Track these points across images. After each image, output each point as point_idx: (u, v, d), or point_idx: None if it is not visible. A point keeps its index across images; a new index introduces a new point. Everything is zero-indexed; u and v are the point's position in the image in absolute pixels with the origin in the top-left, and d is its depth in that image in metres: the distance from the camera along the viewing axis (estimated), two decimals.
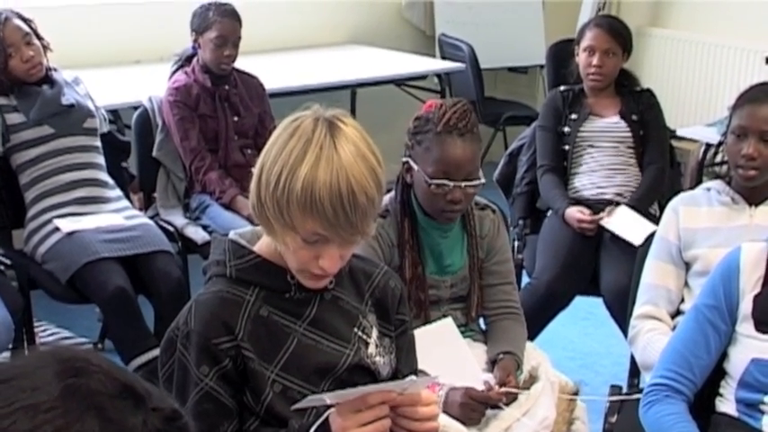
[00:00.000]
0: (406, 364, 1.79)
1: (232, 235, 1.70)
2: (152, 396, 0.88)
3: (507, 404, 2.22)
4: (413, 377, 1.74)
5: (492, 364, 2.36)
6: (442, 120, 2.28)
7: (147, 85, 4.12)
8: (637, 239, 3.21)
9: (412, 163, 2.35)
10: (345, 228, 1.51)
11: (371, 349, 1.71)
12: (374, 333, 1.73)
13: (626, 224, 3.31)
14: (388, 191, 2.42)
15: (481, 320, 2.54)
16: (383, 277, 1.78)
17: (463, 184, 2.28)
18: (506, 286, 2.50)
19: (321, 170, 1.49)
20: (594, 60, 3.50)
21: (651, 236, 2.61)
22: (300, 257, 1.57)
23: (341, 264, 1.60)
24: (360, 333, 1.70)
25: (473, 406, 2.17)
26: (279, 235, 1.56)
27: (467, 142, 2.28)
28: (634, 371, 2.63)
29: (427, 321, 2.38)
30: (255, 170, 1.58)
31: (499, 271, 2.49)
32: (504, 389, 2.23)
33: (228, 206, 3.61)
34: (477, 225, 2.47)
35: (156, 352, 3.02)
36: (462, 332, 2.40)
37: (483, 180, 2.33)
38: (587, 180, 3.52)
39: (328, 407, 1.53)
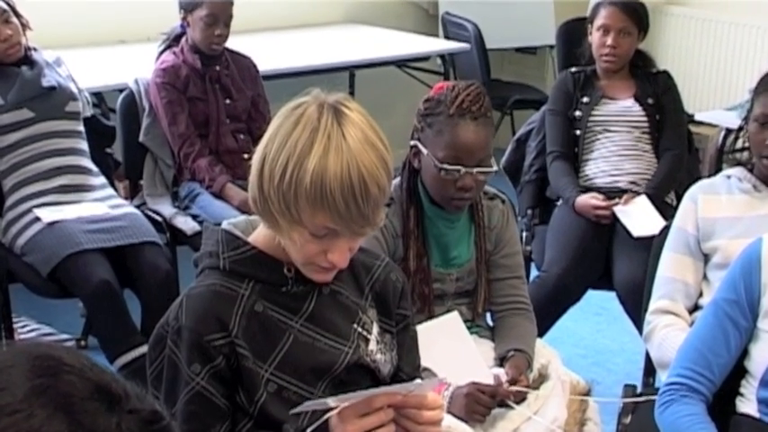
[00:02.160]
0: (408, 361, 1.79)
1: (225, 225, 1.70)
2: (130, 397, 0.87)
3: (517, 404, 2.22)
4: (418, 380, 1.74)
5: (500, 361, 2.37)
6: (455, 102, 2.28)
7: (133, 66, 4.11)
8: (636, 230, 3.22)
9: (421, 147, 2.35)
10: (357, 220, 1.52)
11: (372, 346, 1.71)
12: (375, 329, 1.73)
13: (636, 214, 3.32)
14: (393, 178, 2.42)
15: (488, 316, 2.55)
16: (384, 270, 1.78)
17: (475, 170, 2.29)
18: (515, 280, 2.50)
19: (331, 161, 1.49)
20: (608, 40, 3.49)
21: (667, 228, 2.61)
22: (307, 252, 1.57)
23: (349, 256, 1.61)
24: (359, 329, 1.70)
25: (478, 398, 2.17)
26: (284, 230, 1.56)
27: (480, 126, 2.29)
28: (649, 369, 2.64)
29: (431, 316, 2.38)
30: (255, 162, 1.57)
31: (508, 264, 2.49)
32: (514, 388, 2.23)
33: (219, 195, 3.61)
34: (486, 216, 2.47)
35: (142, 349, 3.03)
36: (468, 328, 2.40)
37: (495, 167, 2.34)
38: (599, 167, 3.52)
39: (329, 409, 1.53)
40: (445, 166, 2.28)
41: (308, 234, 1.54)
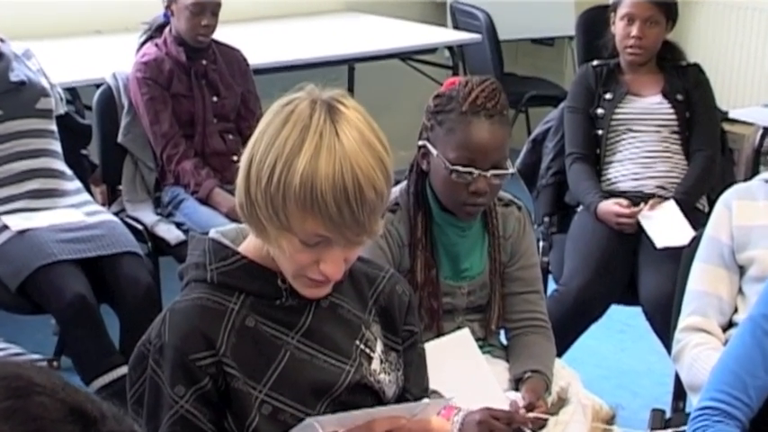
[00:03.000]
0: (415, 382, 1.79)
1: (213, 233, 1.70)
2: (106, 418, 0.88)
3: None
4: (425, 400, 1.74)
5: (515, 383, 2.37)
6: (469, 98, 2.29)
7: (111, 59, 4.13)
8: (661, 240, 3.22)
9: (430, 147, 2.36)
10: (351, 227, 1.52)
11: (375, 365, 1.71)
12: (378, 346, 1.73)
13: (662, 222, 3.31)
14: (397, 182, 2.43)
15: (502, 334, 2.55)
16: (389, 282, 1.78)
17: (489, 173, 2.30)
18: (532, 295, 2.51)
19: (322, 161, 1.49)
20: (634, 30, 3.50)
21: (698, 237, 2.61)
22: (298, 262, 1.58)
23: (345, 268, 1.61)
24: (362, 346, 1.70)
25: (492, 425, 2.17)
26: (272, 238, 1.57)
27: (495, 125, 2.30)
28: (679, 392, 2.64)
29: (440, 334, 2.39)
30: (243, 163, 1.58)
31: (524, 277, 2.50)
32: (532, 414, 2.23)
33: (206, 201, 3.62)
34: (500, 224, 2.47)
35: (121, 371, 3.04)
36: (480, 347, 2.41)
37: (512, 170, 2.35)
38: (624, 170, 3.53)
39: None
40: (457, 167, 2.29)
41: (297, 242, 1.55)
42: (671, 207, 3.37)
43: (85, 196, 3.51)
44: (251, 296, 1.65)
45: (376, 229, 1.56)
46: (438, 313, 2.41)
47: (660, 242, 3.25)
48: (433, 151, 2.35)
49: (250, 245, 1.68)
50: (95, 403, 0.88)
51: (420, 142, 2.40)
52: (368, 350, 1.71)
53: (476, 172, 2.29)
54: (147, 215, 3.69)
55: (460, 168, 2.29)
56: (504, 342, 2.55)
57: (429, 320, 2.39)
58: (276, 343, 1.64)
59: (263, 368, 1.63)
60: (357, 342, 1.70)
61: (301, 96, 1.57)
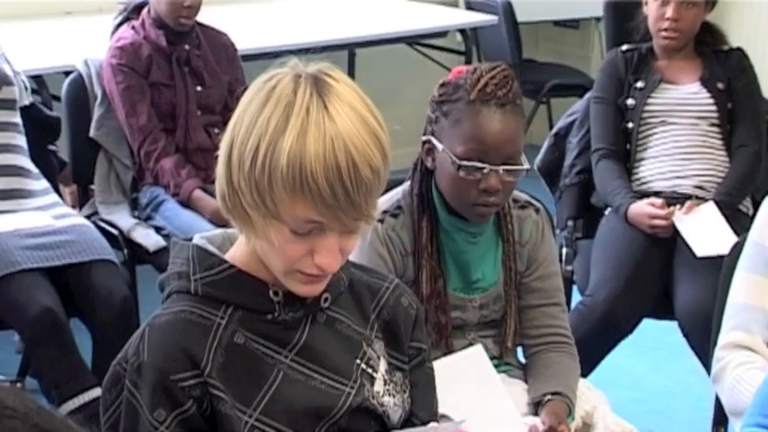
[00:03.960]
0: (422, 405, 1.80)
1: (198, 239, 1.71)
2: None
3: None
4: (433, 424, 1.75)
5: (534, 406, 2.37)
6: (477, 85, 2.30)
7: (83, 43, 4.14)
8: (701, 247, 3.22)
9: (435, 141, 2.37)
10: (347, 210, 1.52)
11: (378, 386, 1.72)
12: (382, 366, 1.74)
13: (700, 227, 3.31)
14: (401, 183, 2.44)
15: (519, 351, 2.56)
16: (393, 293, 1.79)
17: (501, 168, 2.30)
18: (552, 308, 2.51)
19: (311, 138, 1.50)
20: (669, 11, 3.50)
21: (740, 243, 2.61)
22: (289, 254, 1.58)
23: (342, 259, 1.61)
24: (363, 366, 1.71)
25: None
26: (259, 229, 1.57)
27: (508, 115, 2.30)
28: (719, 417, 2.64)
29: (449, 351, 2.39)
30: (222, 148, 1.59)
31: (543, 288, 2.50)
32: None
33: (187, 204, 3.62)
34: (516, 228, 2.48)
35: (94, 393, 3.05)
36: (495, 366, 2.41)
37: (527, 165, 2.35)
38: (657, 168, 3.54)
39: None
40: (465, 162, 2.29)
41: (287, 231, 1.55)
42: (710, 210, 3.36)
43: (54, 197, 3.51)
44: (240, 309, 1.65)
45: (373, 212, 1.56)
46: (447, 329, 2.41)
47: (701, 250, 3.25)
48: (439, 146, 2.35)
49: (239, 252, 1.68)
50: (72, 429, 0.89)
51: (424, 138, 2.40)
52: (370, 370, 1.72)
53: (486, 167, 2.29)
54: (123, 218, 3.69)
55: (468, 163, 2.30)
56: (523, 360, 2.55)
57: (437, 337, 2.39)
58: (268, 362, 1.65)
59: (253, 390, 1.63)
60: (358, 361, 1.71)
61: (284, 71, 1.58)
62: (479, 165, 2.29)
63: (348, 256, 1.65)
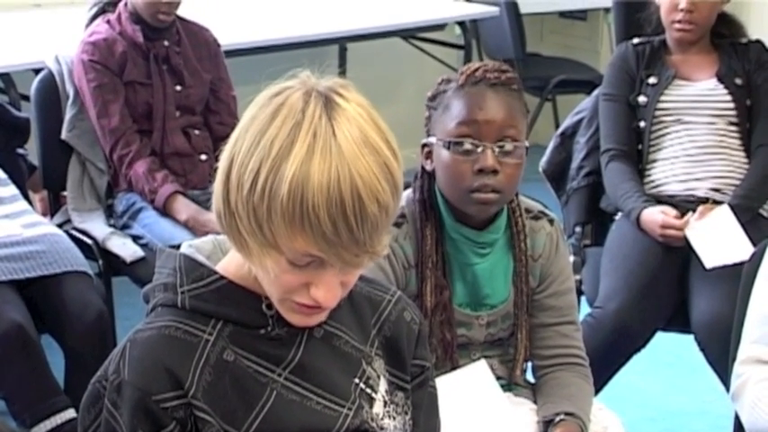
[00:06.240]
0: (425, 428, 1.80)
1: (186, 248, 1.71)
2: None
3: None
4: None
5: (545, 425, 2.38)
6: (467, 72, 2.34)
7: (53, 38, 4.14)
8: (711, 258, 3.22)
9: (430, 138, 2.38)
10: (349, 247, 1.51)
11: (378, 408, 1.72)
12: (382, 385, 1.74)
13: (713, 234, 3.30)
14: (406, 187, 2.44)
15: (529, 369, 2.55)
16: (395, 307, 1.79)
17: (495, 146, 2.31)
18: (566, 326, 2.51)
19: (315, 166, 1.49)
20: (683, 2, 3.52)
21: (759, 250, 2.62)
22: (285, 284, 1.58)
23: (342, 293, 1.61)
24: (362, 385, 1.71)
25: None
26: (255, 256, 1.56)
27: (500, 94, 2.32)
28: None
29: (455, 369, 2.39)
30: (222, 164, 1.58)
31: (557, 306, 2.50)
32: None
33: (165, 211, 3.61)
34: (529, 241, 2.47)
35: (67, 414, 3.05)
36: (501, 386, 2.41)
37: (526, 143, 2.36)
38: (671, 170, 3.54)
39: None
40: (455, 139, 2.31)
41: (285, 262, 1.55)
42: (724, 215, 3.36)
43: (22, 205, 3.51)
44: (230, 324, 1.65)
45: (379, 249, 1.55)
46: (452, 345, 2.41)
47: (710, 261, 3.25)
48: (432, 140, 2.37)
49: (230, 262, 1.68)
50: None
51: (423, 141, 2.41)
52: (369, 390, 1.72)
53: (479, 144, 2.30)
54: (98, 227, 3.69)
55: (459, 139, 2.31)
56: (531, 380, 2.55)
57: (441, 354, 2.39)
58: (260, 381, 1.65)
59: (243, 411, 1.63)
60: (357, 380, 1.71)
61: (293, 86, 1.57)
62: (471, 142, 2.30)
63: (349, 290, 1.64)
